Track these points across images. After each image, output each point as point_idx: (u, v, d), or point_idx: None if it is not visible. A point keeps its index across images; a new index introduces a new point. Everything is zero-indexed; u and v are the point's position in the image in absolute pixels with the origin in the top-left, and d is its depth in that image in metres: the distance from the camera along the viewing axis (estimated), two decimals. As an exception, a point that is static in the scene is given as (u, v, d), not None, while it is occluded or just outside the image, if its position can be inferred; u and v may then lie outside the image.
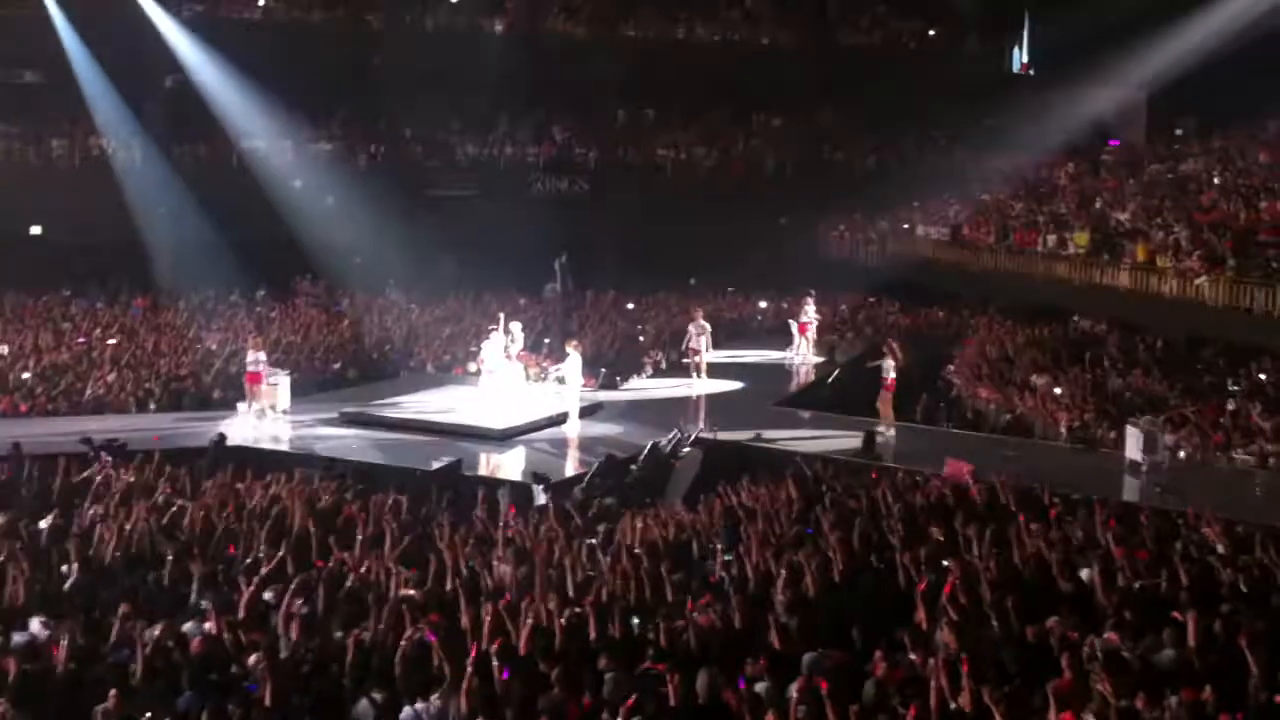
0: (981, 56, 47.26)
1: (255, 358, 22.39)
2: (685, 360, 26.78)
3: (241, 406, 22.40)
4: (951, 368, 27.46)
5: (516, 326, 25.03)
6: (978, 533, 13.16)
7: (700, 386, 25.85)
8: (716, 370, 26.84)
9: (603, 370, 25.60)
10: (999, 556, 12.56)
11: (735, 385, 26.51)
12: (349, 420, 22.26)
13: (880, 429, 21.80)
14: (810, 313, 29.97)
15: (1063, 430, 21.47)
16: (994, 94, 41.96)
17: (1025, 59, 47.72)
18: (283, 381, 22.73)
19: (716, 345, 27.40)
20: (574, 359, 22.59)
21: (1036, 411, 22.76)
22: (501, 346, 23.57)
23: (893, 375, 22.82)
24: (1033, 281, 33.22)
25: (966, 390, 25.48)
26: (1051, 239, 33.51)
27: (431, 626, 10.15)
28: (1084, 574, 12.02)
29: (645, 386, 26.32)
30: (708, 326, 26.65)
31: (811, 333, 29.99)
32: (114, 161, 35.92)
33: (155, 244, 33.67)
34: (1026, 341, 28.57)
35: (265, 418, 22.12)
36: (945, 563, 12.16)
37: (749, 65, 43.77)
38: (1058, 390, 23.65)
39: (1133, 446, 19.14)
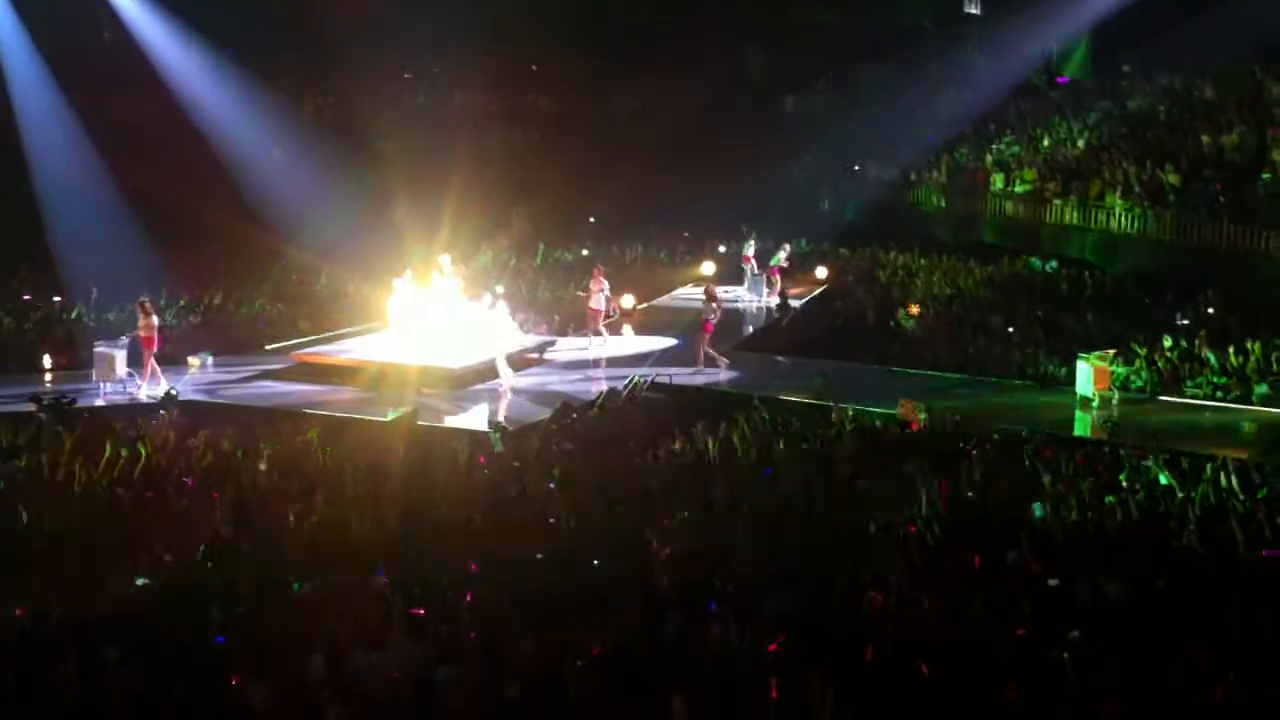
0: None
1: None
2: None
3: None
4: (903, 308, 27.57)
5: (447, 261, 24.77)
6: (929, 470, 13.30)
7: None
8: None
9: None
10: (952, 493, 12.70)
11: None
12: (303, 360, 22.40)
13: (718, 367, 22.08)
14: (750, 250, 30.37)
15: (1015, 368, 21.66)
16: (943, 33, 41.93)
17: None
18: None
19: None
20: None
21: (989, 350, 22.92)
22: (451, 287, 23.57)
23: (713, 319, 22.84)
24: (982, 220, 33.38)
25: (919, 330, 25.60)
26: (999, 178, 33.66)
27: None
28: (1035, 508, 12.18)
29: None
30: (605, 284, 25.19)
31: (751, 268, 30.26)
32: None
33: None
34: (978, 280, 28.75)
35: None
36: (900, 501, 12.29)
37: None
38: (1010, 329, 23.85)
39: (1083, 382, 19.37)
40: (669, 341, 24.92)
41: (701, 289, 26.28)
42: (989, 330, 24.17)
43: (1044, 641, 8.91)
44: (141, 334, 20.80)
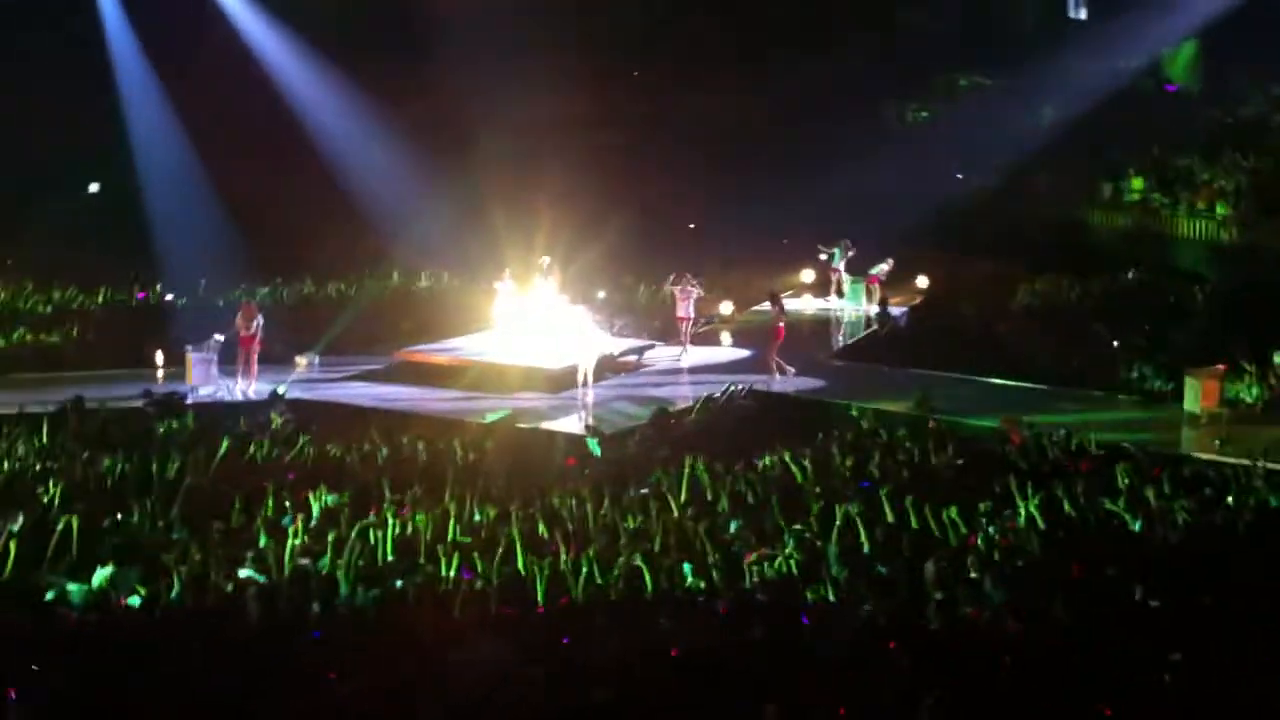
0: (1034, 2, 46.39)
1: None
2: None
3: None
4: (1007, 320, 27.20)
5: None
6: (1029, 484, 13.15)
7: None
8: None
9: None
10: (1052, 509, 12.54)
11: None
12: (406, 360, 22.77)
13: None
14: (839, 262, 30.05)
15: (1120, 381, 21.28)
16: (1047, 38, 41.29)
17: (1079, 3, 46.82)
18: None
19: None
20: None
21: (1095, 363, 22.53)
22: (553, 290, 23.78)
23: (780, 324, 22.66)
24: (1088, 229, 32.83)
25: (1023, 342, 25.22)
26: (1106, 186, 33.09)
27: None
28: (1135, 526, 11.99)
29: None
30: (692, 291, 24.42)
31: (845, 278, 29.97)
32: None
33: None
34: (1082, 291, 28.28)
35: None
36: (998, 516, 12.15)
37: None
38: (1115, 341, 23.44)
39: (1191, 398, 18.98)
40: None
41: (789, 294, 26.34)
42: (1093, 342, 23.76)
43: (1143, 661, 8.77)
44: (242, 333, 21.35)
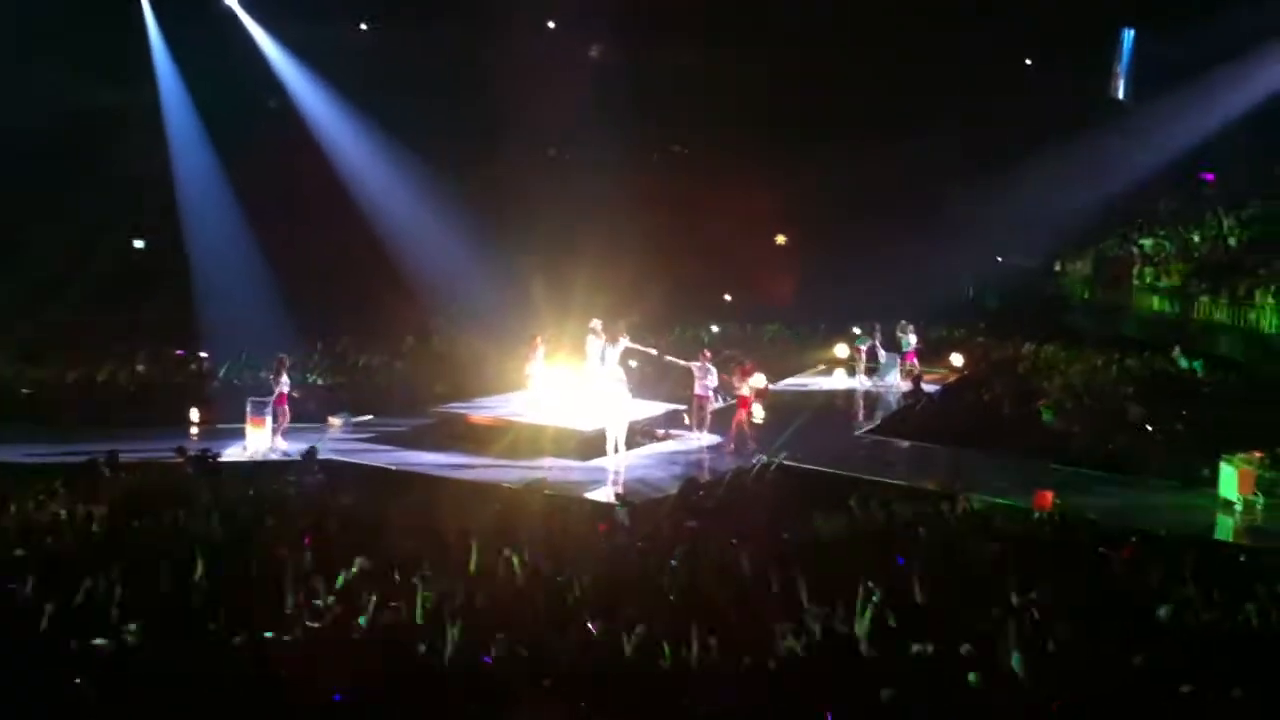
0: (1078, 85, 46.51)
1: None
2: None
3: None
4: (1042, 399, 27.06)
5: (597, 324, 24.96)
6: (1062, 565, 13.04)
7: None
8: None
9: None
10: (1078, 591, 12.41)
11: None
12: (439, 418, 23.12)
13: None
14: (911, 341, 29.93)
15: (1156, 465, 21.11)
16: (1090, 120, 41.38)
17: (1123, 85, 46.90)
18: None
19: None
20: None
21: (1130, 446, 22.37)
22: (598, 349, 23.90)
23: (744, 393, 22.55)
24: (1127, 314, 32.73)
25: (1058, 423, 25.09)
26: (1147, 272, 33.02)
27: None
28: (1161, 611, 11.83)
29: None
30: (711, 369, 23.43)
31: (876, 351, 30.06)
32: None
33: None
34: (1120, 374, 28.13)
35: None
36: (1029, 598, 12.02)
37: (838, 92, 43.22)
38: (1151, 426, 23.27)
39: (1227, 484, 18.79)
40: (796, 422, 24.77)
41: (820, 369, 26.25)
42: (1130, 426, 23.59)
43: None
44: (277, 390, 21.69)
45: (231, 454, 20.77)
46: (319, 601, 11.97)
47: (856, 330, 30.78)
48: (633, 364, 24.54)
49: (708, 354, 23.82)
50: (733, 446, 22.25)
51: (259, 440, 21.50)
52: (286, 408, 22.00)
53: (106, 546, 13.81)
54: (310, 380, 25.90)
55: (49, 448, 20.44)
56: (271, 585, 12.57)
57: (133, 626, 11.00)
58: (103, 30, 33.16)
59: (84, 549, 13.57)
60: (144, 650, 10.59)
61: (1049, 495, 17.50)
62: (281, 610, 11.78)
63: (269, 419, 21.72)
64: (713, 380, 23.15)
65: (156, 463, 18.53)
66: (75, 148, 33.68)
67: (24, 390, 25.23)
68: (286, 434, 21.83)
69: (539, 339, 24.38)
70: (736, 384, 22.70)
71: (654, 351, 24.38)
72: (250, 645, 10.67)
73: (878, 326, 30.47)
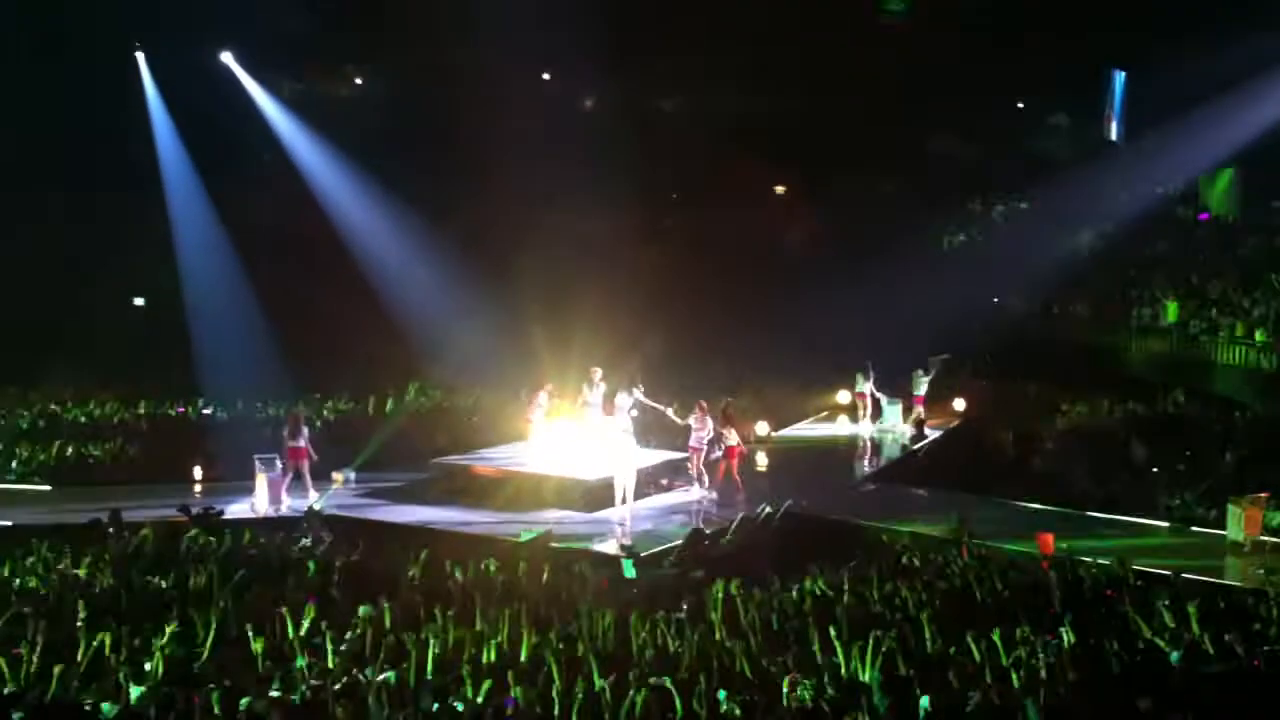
0: (1071, 127, 46.90)
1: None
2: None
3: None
4: (1044, 442, 27.07)
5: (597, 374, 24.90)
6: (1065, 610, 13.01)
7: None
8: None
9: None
10: (1084, 637, 12.37)
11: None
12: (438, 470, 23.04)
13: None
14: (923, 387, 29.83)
15: (1159, 508, 21.08)
16: (1084, 162, 41.67)
17: (1115, 127, 47.23)
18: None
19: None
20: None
21: (1134, 488, 22.35)
22: (598, 398, 24.00)
23: (731, 441, 22.41)
24: (1126, 355, 32.78)
25: (1060, 465, 25.09)
26: (1146, 312, 33.11)
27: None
28: (1173, 655, 11.78)
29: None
30: (708, 422, 22.83)
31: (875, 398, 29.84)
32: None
33: None
34: (1121, 416, 28.15)
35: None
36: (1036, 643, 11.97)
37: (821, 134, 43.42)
38: (1154, 467, 23.27)
39: (1233, 526, 18.76)
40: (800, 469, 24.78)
41: (823, 416, 26.20)
42: (1132, 468, 23.58)
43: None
44: (290, 444, 21.65)
45: (237, 511, 20.71)
46: (320, 661, 11.93)
47: (857, 374, 30.70)
48: (634, 414, 24.48)
49: (704, 405, 23.37)
50: (740, 495, 22.14)
51: (265, 497, 21.44)
52: (306, 462, 21.93)
53: (110, 607, 13.75)
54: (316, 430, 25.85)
55: (47, 509, 20.42)
56: (274, 644, 12.54)
57: (138, 690, 10.97)
58: (98, 82, 33.53)
59: (88, 609, 13.48)
60: (150, 714, 10.54)
61: (1050, 538, 17.53)
62: (289, 671, 11.72)
63: (277, 475, 21.66)
64: (709, 432, 22.76)
65: (160, 522, 18.43)
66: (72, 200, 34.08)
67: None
68: (292, 490, 21.72)
69: (548, 387, 24.40)
70: (724, 432, 22.59)
71: (670, 412, 23.96)
72: (257, 708, 10.61)
73: (870, 365, 30.38)
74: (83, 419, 27.45)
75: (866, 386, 29.90)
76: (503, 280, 35.95)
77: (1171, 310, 32.24)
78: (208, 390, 29.22)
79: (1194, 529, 20.11)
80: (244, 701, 10.57)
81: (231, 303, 32.89)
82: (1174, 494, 21.49)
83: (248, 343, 30.65)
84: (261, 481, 21.51)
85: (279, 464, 21.76)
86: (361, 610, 13.42)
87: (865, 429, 29.60)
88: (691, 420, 22.98)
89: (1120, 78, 46.41)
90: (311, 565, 15.77)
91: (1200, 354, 30.52)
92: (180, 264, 34.39)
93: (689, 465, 23.08)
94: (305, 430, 22.13)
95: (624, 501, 21.36)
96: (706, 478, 22.84)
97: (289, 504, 21.31)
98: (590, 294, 32.94)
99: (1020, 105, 47.67)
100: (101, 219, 34.99)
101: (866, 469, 26.26)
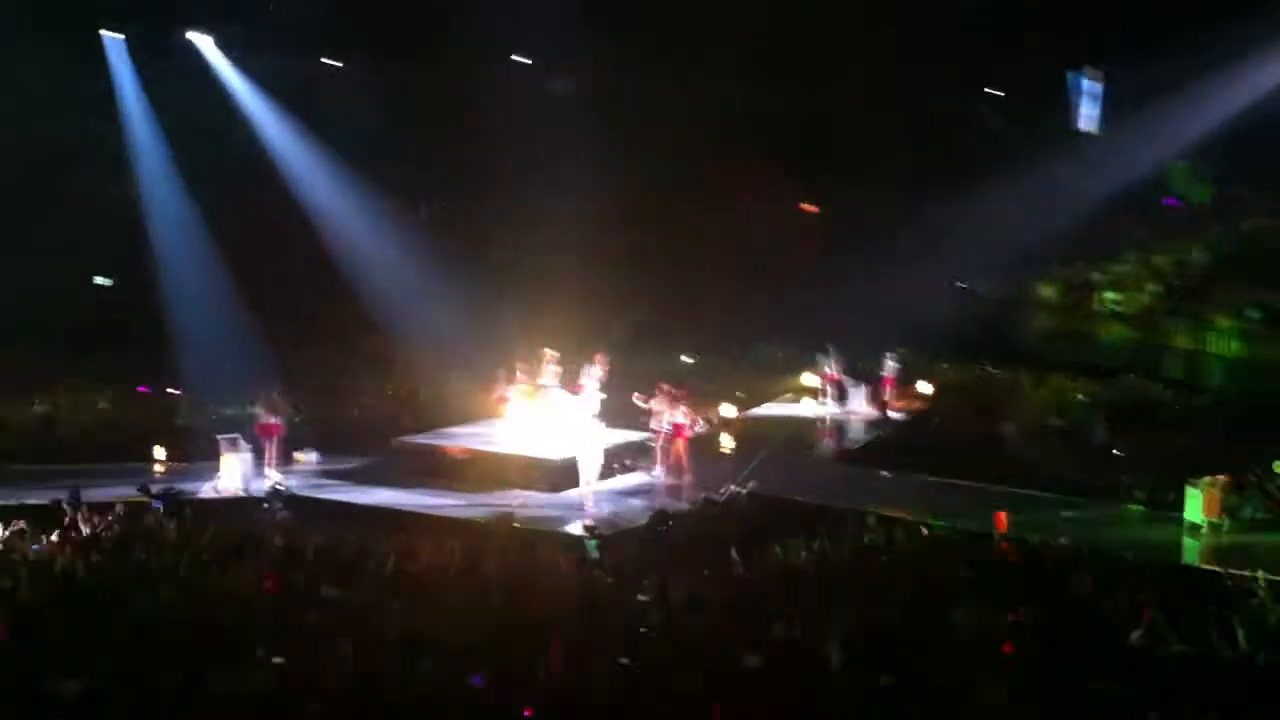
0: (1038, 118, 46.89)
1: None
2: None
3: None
4: (1008, 425, 27.21)
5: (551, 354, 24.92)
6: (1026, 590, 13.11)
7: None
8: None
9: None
10: (1041, 617, 12.48)
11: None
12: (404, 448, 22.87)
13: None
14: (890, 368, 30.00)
15: (1121, 490, 21.24)
16: (1053, 147, 41.69)
17: (1082, 116, 47.28)
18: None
19: None
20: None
21: (1095, 471, 22.50)
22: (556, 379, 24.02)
23: (678, 421, 22.38)
24: (1091, 339, 32.95)
25: (1023, 448, 25.23)
26: (1109, 297, 33.28)
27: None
28: (1133, 636, 11.90)
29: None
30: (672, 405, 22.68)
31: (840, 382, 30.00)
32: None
33: None
34: (1084, 399, 28.31)
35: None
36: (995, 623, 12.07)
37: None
38: (1116, 450, 23.43)
39: (1193, 508, 18.93)
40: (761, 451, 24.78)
41: (787, 397, 26.25)
42: (1095, 451, 23.74)
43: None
44: (263, 421, 21.57)
45: (203, 491, 20.62)
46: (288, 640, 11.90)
47: (819, 356, 30.82)
48: (602, 395, 24.44)
49: (664, 388, 23.26)
50: (687, 476, 22.10)
51: (231, 477, 21.32)
52: (277, 439, 21.87)
53: (71, 587, 13.67)
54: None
55: (7, 489, 20.26)
56: (239, 625, 12.51)
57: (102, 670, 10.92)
58: (67, 64, 33.10)
59: (50, 590, 13.42)
60: (114, 694, 10.50)
61: (1003, 515, 17.67)
62: (252, 650, 11.69)
63: (245, 454, 21.56)
64: (669, 414, 22.61)
65: (120, 502, 18.32)
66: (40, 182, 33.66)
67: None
68: (260, 470, 21.68)
69: (519, 367, 24.39)
70: (668, 410, 22.48)
71: (642, 401, 23.80)
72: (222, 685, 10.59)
73: (830, 348, 30.46)
74: (44, 400, 27.20)
75: (831, 368, 30.03)
76: (477, 264, 35.90)
77: (1136, 294, 32.40)
78: (182, 375, 28.99)
79: (1154, 511, 20.26)
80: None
81: (203, 287, 32.64)
82: (1135, 476, 21.64)
83: (221, 328, 30.47)
84: (227, 461, 21.40)
85: (242, 443, 21.65)
86: (324, 591, 13.42)
87: (830, 411, 29.72)
88: (654, 403, 22.89)
89: (1085, 70, 46.50)
90: (274, 546, 15.72)
91: (1164, 338, 30.67)
92: (154, 247, 34.12)
93: (653, 446, 23.10)
94: (281, 408, 22.15)
95: (589, 482, 21.39)
96: (670, 460, 22.81)
97: (256, 484, 21.22)
98: (564, 276, 33.01)
99: (989, 95, 47.60)
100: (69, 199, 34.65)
101: (831, 451, 26.34)
